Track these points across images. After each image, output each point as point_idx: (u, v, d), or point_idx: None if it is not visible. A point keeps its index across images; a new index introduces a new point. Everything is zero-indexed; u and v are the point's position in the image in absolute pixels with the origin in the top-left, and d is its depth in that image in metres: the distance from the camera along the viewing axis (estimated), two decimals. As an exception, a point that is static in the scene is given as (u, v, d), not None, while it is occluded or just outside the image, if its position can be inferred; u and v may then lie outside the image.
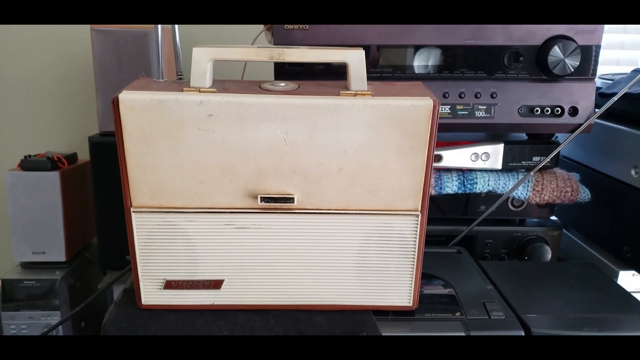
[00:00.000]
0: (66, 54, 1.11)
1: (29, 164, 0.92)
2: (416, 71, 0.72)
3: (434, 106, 0.50)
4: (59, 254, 0.95)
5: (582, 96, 0.72)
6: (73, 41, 1.10)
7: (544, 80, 0.72)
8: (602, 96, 0.76)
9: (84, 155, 1.02)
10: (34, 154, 0.95)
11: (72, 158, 0.99)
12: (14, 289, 0.93)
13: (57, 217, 0.93)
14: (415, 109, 0.50)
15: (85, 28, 1.08)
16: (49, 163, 0.92)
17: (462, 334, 0.54)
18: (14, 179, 0.91)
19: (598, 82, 0.76)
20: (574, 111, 0.72)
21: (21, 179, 0.92)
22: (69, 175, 0.95)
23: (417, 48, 0.71)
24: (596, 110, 0.72)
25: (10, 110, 1.13)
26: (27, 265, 0.96)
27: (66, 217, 0.94)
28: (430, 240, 0.76)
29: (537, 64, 0.71)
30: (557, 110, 0.72)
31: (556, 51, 0.69)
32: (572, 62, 0.69)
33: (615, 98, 0.70)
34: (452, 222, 0.79)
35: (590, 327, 0.55)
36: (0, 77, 1.11)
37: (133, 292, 0.56)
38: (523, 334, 0.54)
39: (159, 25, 0.57)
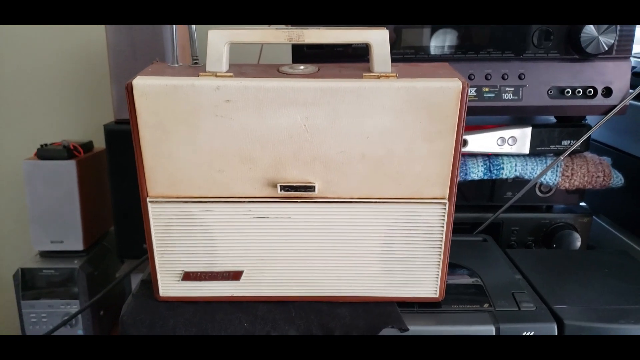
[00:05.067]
0: (80, 42, 1.10)
1: (45, 153, 0.92)
2: (440, 52, 0.69)
3: (463, 88, 0.47)
4: (76, 243, 0.95)
5: (616, 76, 0.68)
6: (87, 29, 1.09)
7: (576, 60, 0.68)
8: (637, 76, 0.72)
9: (99, 143, 1.01)
10: (50, 143, 0.95)
11: (88, 146, 0.98)
12: (33, 277, 0.93)
13: (74, 206, 0.93)
14: (443, 91, 0.47)
15: (99, 14, 1.07)
16: (65, 152, 0.92)
17: (491, 326, 0.51)
18: (30, 168, 0.91)
19: (632, 61, 0.72)
20: (607, 92, 0.69)
21: (38, 168, 0.91)
22: (85, 163, 0.95)
23: (440, 28, 0.68)
24: (631, 90, 0.69)
25: (25, 99, 1.13)
26: (45, 254, 0.96)
27: (83, 206, 0.94)
28: (455, 228, 0.73)
29: (568, 43, 0.67)
30: (590, 92, 0.69)
31: (589, 28, 0.65)
32: (607, 40, 0.66)
33: (652, 77, 0.67)
34: (477, 209, 0.76)
35: (627, 319, 0.52)
36: (15, 66, 1.11)
37: (150, 283, 0.55)
38: (555, 327, 0.52)
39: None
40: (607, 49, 0.66)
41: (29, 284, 0.93)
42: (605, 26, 0.65)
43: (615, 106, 0.68)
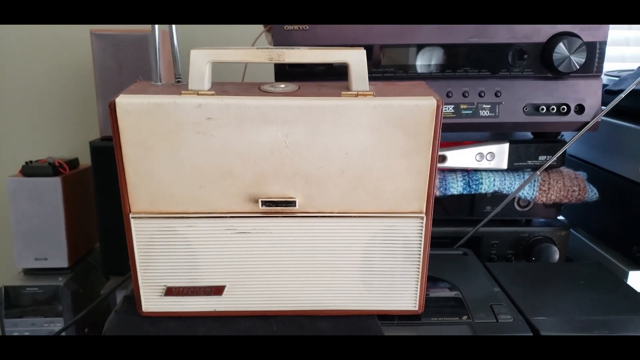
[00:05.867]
0: (66, 59, 1.10)
1: (30, 170, 0.92)
2: (419, 70, 0.71)
3: (437, 106, 0.48)
4: (61, 260, 0.94)
5: (588, 93, 0.70)
6: (73, 46, 1.10)
7: (549, 78, 0.71)
8: (608, 93, 0.74)
9: (85, 160, 1.02)
10: (36, 160, 0.95)
11: (73, 163, 0.98)
12: (16, 295, 0.92)
13: (59, 223, 0.93)
14: (418, 109, 0.48)
15: (85, 32, 1.08)
16: (50, 169, 0.92)
17: (470, 338, 0.52)
18: (15, 185, 0.91)
19: (604, 79, 0.75)
20: (580, 109, 0.71)
21: (23, 185, 0.91)
22: (70, 180, 0.95)
23: (419, 47, 0.70)
24: (603, 107, 0.71)
25: (11, 115, 1.13)
26: (29, 272, 0.96)
27: (68, 223, 0.94)
28: (436, 242, 0.75)
29: (541, 62, 0.70)
30: (563, 108, 0.71)
31: (561, 48, 0.67)
32: (578, 59, 0.68)
33: (623, 95, 0.69)
34: (458, 224, 0.77)
35: (601, 329, 0.54)
36: (1, 83, 1.11)
37: (133, 299, 0.55)
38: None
39: (157, 28, 0.56)
40: (578, 67, 0.68)
41: (12, 302, 0.92)
42: (576, 46, 0.67)
43: (587, 122, 0.71)
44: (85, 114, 1.13)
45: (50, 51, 1.10)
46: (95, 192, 0.87)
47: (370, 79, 0.51)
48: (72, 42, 1.09)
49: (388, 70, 0.70)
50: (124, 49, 0.86)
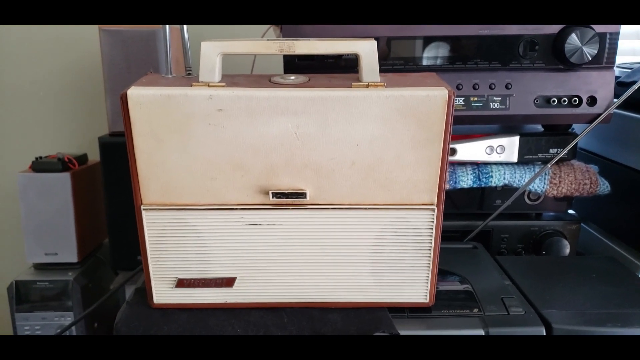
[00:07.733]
0: (75, 55, 1.11)
1: (40, 166, 0.92)
2: (428, 63, 0.70)
3: (449, 96, 0.48)
4: (71, 255, 0.95)
5: (600, 85, 0.70)
6: (81, 42, 1.10)
7: (561, 70, 0.70)
8: (621, 85, 0.74)
9: (94, 156, 1.02)
10: (45, 156, 0.95)
11: (82, 159, 0.99)
12: (27, 290, 0.93)
13: (69, 218, 0.93)
14: (430, 100, 0.48)
15: (94, 29, 1.08)
16: (59, 164, 0.92)
17: (481, 330, 0.52)
18: (25, 180, 0.91)
19: (616, 71, 0.74)
20: (592, 101, 0.70)
21: (33, 180, 0.92)
22: (79, 176, 0.95)
23: (429, 39, 0.69)
24: (615, 99, 0.70)
25: (20, 112, 1.13)
26: (39, 267, 0.96)
27: (77, 218, 0.94)
28: (446, 235, 0.74)
29: (553, 53, 0.69)
30: (575, 100, 0.70)
31: (573, 39, 0.67)
32: (590, 50, 0.67)
33: (636, 86, 0.68)
34: (467, 217, 0.77)
35: (614, 322, 0.53)
36: (10, 79, 1.11)
37: (145, 291, 0.55)
38: (544, 330, 0.52)
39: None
40: (590, 59, 0.67)
41: (23, 297, 0.93)
42: (589, 37, 0.67)
43: (600, 115, 0.70)
44: (94, 109, 1.13)
45: (58, 47, 1.10)
46: (104, 188, 0.88)
47: (380, 71, 0.51)
48: (81, 38, 1.10)
49: (397, 63, 0.70)
50: (132, 44, 0.86)
